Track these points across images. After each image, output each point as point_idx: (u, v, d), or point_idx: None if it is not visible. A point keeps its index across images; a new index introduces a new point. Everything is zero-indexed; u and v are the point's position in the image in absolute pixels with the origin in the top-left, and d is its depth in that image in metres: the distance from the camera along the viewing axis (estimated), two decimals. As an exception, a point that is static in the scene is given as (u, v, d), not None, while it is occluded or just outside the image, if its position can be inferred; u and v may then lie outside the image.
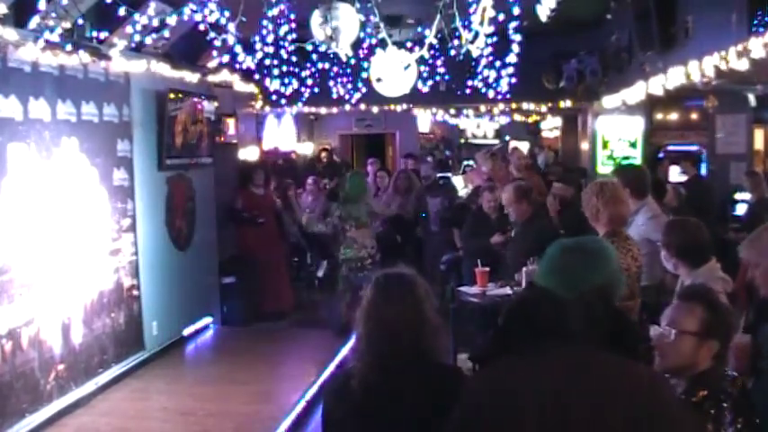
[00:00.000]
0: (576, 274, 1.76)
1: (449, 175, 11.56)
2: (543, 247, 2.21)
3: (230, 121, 8.72)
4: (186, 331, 7.24)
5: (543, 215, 6.10)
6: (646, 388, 1.66)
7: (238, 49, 5.61)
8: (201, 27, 5.22)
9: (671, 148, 9.89)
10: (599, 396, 1.61)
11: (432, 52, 5.88)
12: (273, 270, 8.24)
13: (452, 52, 5.33)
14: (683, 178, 8.98)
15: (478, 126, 15.08)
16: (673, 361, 2.31)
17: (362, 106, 9.67)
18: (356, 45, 5.39)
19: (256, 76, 7.67)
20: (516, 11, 4.93)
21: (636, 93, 7.50)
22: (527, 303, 1.77)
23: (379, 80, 5.41)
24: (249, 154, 9.43)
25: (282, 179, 9.82)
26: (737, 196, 8.68)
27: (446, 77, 8.31)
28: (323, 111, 10.84)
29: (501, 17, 4.75)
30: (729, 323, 2.39)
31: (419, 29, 7.42)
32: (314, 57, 7.50)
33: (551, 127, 14.09)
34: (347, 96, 8.67)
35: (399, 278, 2.34)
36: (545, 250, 2.16)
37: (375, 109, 10.18)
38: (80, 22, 5.13)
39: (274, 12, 5.42)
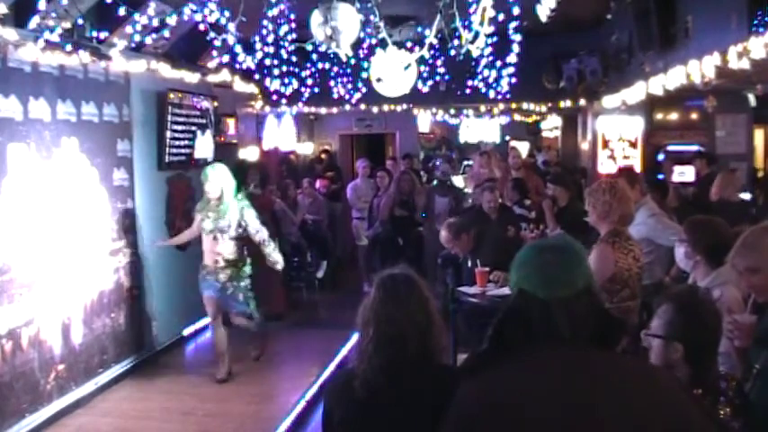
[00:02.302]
0: (557, 274, 1.72)
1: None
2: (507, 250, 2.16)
3: (230, 121, 8.71)
4: (186, 331, 7.24)
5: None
6: (645, 380, 1.65)
7: (238, 49, 5.61)
8: (201, 27, 5.23)
9: (671, 148, 9.89)
10: (598, 395, 1.61)
11: (432, 52, 5.88)
12: (268, 271, 8.17)
13: (452, 52, 5.32)
14: (683, 179, 8.97)
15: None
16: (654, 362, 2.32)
17: (362, 106, 9.66)
18: (356, 45, 5.38)
19: (256, 76, 7.66)
20: (516, 11, 4.93)
21: (636, 93, 7.49)
22: (519, 307, 1.76)
23: (379, 80, 5.40)
24: (249, 154, 9.42)
25: (282, 179, 9.82)
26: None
27: (446, 77, 8.31)
28: (323, 111, 10.83)
29: (501, 17, 4.75)
30: (699, 327, 2.27)
31: (419, 29, 7.42)
32: (314, 57, 7.50)
33: (551, 127, 14.08)
34: (347, 96, 8.66)
35: (405, 279, 2.34)
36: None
37: (375, 109, 10.18)
38: (80, 22, 5.13)
39: (274, 12, 5.43)
